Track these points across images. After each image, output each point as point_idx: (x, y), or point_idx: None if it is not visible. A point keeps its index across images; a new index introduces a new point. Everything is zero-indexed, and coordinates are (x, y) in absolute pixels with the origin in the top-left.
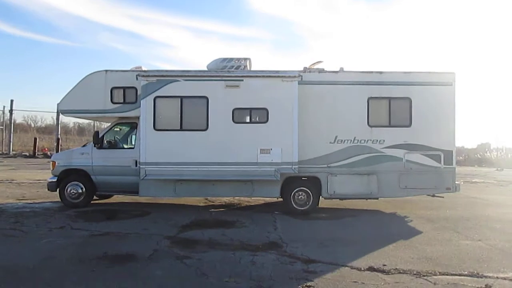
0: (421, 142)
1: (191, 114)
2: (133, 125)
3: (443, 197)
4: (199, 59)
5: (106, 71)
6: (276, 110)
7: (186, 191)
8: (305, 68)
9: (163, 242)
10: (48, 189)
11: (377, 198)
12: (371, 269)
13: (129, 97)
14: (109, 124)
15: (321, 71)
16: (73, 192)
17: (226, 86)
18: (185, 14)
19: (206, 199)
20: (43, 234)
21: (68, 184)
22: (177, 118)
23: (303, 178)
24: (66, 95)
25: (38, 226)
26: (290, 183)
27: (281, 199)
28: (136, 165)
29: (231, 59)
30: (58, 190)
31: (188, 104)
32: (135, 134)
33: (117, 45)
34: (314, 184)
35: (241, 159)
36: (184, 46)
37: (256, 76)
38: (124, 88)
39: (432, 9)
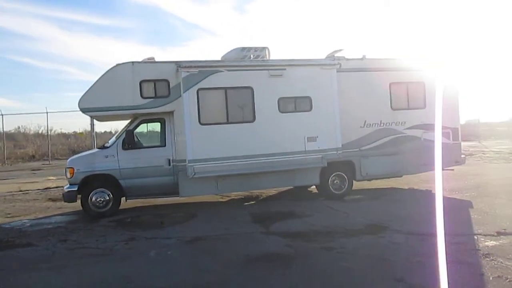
0: (434, 122)
1: (237, 106)
2: (161, 121)
3: (453, 169)
4: (65, 51)
5: (133, 62)
6: (319, 98)
7: (229, 186)
8: (328, 56)
9: (275, 239)
10: (66, 200)
11: (401, 176)
12: (499, 233)
13: (160, 91)
14: (131, 121)
15: (347, 59)
16: (100, 200)
17: (270, 75)
18: (46, 2)
19: (216, 194)
20: (130, 248)
21: (92, 192)
22: (223, 111)
23: (338, 163)
24: (87, 91)
25: (102, 241)
26: (327, 168)
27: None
28: (169, 164)
29: (250, 48)
30: (80, 199)
31: (233, 95)
32: (164, 131)
33: None
34: (348, 167)
35: (289, 148)
36: (47, 38)
37: (298, 65)
38: (154, 81)
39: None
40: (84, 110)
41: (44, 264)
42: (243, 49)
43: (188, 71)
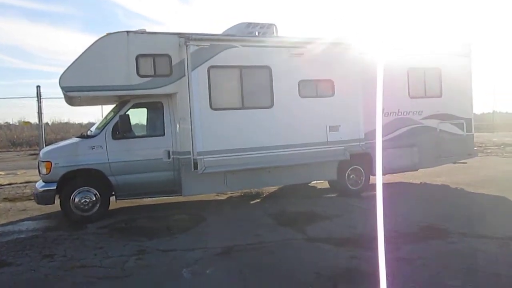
0: (449, 112)
1: (253, 88)
2: (157, 105)
3: (466, 162)
4: None
5: (128, 32)
6: (341, 82)
7: (239, 182)
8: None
9: (329, 248)
10: (40, 202)
11: (417, 170)
12: None
13: (161, 68)
14: (118, 105)
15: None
16: (85, 201)
17: (291, 54)
18: None
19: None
20: (147, 265)
21: (75, 192)
22: (237, 94)
23: (356, 155)
24: (70, 66)
25: (103, 256)
26: (344, 162)
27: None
28: (169, 157)
29: (256, 24)
30: (59, 201)
31: (249, 75)
32: (162, 117)
33: None
34: (366, 161)
35: (310, 139)
36: None
37: (320, 44)
38: (153, 56)
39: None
40: (66, 89)
41: None
42: (248, 25)
43: (198, 45)
